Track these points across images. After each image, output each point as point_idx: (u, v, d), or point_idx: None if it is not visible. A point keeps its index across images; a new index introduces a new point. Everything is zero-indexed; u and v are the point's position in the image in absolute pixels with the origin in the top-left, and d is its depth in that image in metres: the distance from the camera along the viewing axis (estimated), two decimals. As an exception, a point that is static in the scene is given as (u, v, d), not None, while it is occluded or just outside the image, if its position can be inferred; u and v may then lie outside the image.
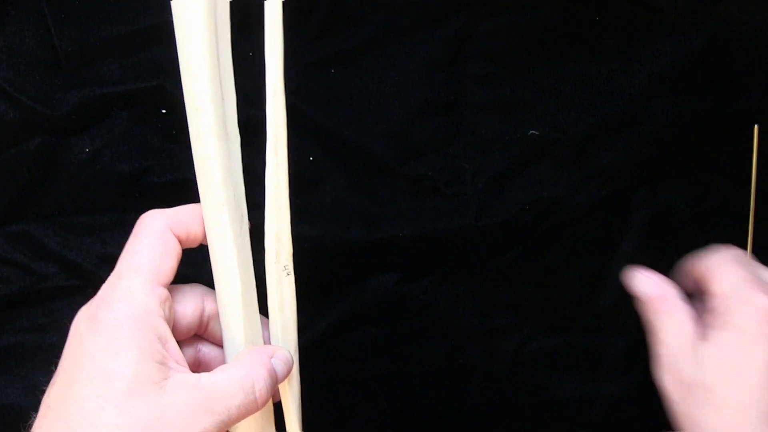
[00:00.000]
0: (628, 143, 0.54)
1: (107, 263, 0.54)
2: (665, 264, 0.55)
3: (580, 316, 0.56)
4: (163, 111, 0.53)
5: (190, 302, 0.40)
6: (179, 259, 0.39)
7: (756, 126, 0.54)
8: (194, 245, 0.40)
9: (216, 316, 0.41)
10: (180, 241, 0.39)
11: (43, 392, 0.38)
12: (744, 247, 0.55)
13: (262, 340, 0.42)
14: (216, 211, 0.39)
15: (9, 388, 0.54)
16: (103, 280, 0.53)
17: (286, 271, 0.43)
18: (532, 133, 0.54)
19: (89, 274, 0.54)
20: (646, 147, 0.55)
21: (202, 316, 0.41)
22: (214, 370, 0.37)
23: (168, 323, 0.37)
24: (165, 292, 0.37)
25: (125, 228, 0.53)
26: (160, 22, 0.52)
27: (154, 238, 0.38)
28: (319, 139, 0.54)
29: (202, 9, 0.39)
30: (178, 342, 0.38)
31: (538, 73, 0.54)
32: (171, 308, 0.38)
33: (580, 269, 0.55)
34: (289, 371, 0.40)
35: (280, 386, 0.43)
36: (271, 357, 0.39)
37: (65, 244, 0.53)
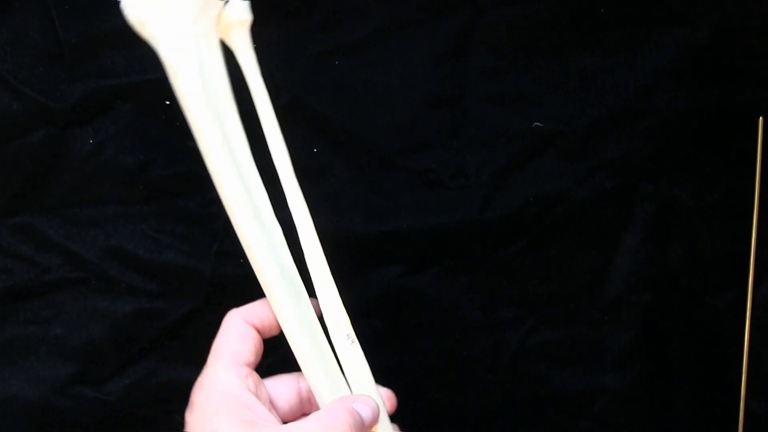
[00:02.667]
0: (632, 136, 0.54)
1: (111, 255, 0.54)
2: (669, 257, 0.55)
3: (583, 310, 0.56)
4: (167, 102, 0.53)
5: (284, 384, 0.46)
6: (258, 344, 0.44)
7: (761, 118, 0.54)
8: (275, 332, 0.45)
9: None
10: (258, 330, 0.45)
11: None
12: (749, 240, 0.55)
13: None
14: (274, 297, 0.43)
15: (13, 380, 0.54)
16: (106, 272, 0.54)
17: (350, 339, 0.46)
18: (537, 126, 0.54)
19: (93, 266, 0.54)
20: (650, 140, 0.55)
21: (300, 393, 0.46)
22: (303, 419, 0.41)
23: (258, 397, 0.42)
24: (246, 370, 0.43)
25: (129, 220, 0.54)
26: (164, 14, 0.52)
27: (231, 329, 0.44)
28: (324, 132, 0.54)
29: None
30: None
31: (543, 67, 0.54)
32: (257, 384, 0.43)
33: (584, 262, 0.55)
34: (375, 416, 0.43)
35: None
36: (353, 402, 0.42)
37: (69, 236, 0.53)
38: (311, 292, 0.45)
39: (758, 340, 0.55)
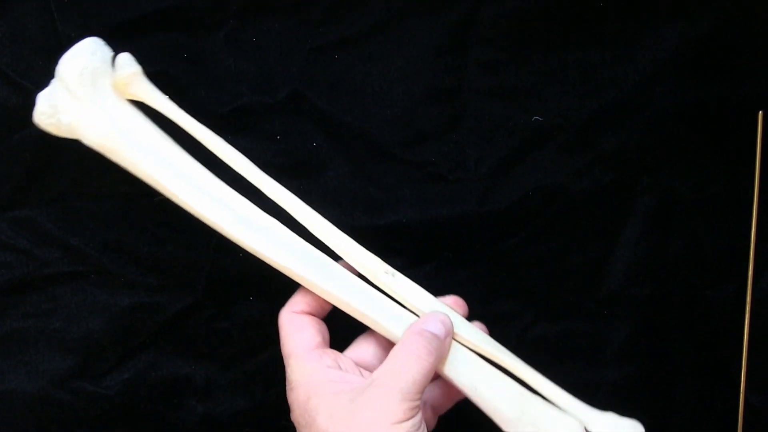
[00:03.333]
0: (631, 129, 0.54)
1: (110, 249, 0.54)
2: (668, 250, 0.55)
3: (583, 303, 0.56)
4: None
5: (363, 345, 0.48)
6: (317, 324, 0.47)
7: (760, 113, 0.54)
8: (328, 306, 0.48)
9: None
10: (312, 313, 0.47)
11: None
12: (748, 233, 0.55)
13: None
14: (302, 278, 0.46)
15: (12, 374, 0.54)
16: (106, 266, 0.54)
17: (390, 273, 0.47)
18: (536, 119, 0.54)
19: (92, 260, 0.54)
20: (649, 133, 0.55)
21: (381, 345, 0.48)
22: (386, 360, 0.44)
23: (342, 368, 0.45)
24: (318, 353, 0.45)
25: (129, 213, 0.54)
26: (163, 8, 0.52)
27: (286, 327, 0.47)
28: (323, 125, 0.54)
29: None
30: None
31: (542, 60, 0.54)
32: (337, 358, 0.46)
33: (584, 255, 0.55)
34: (447, 326, 0.45)
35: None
36: (423, 324, 0.44)
37: (68, 230, 0.53)
38: (336, 257, 0.47)
39: (758, 334, 0.55)
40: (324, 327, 0.48)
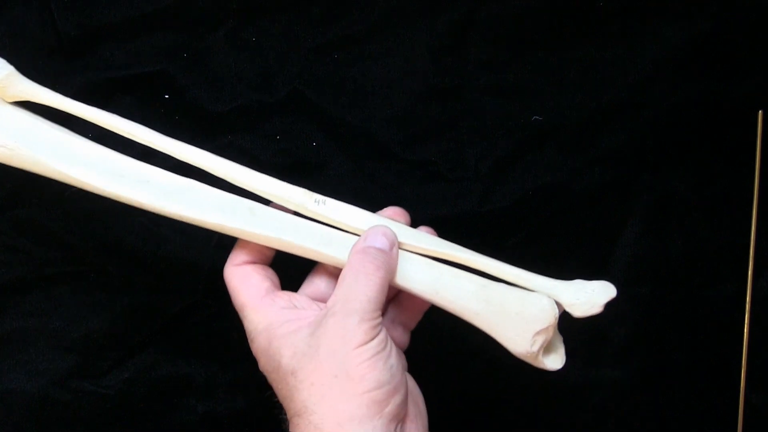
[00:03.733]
0: (631, 128, 0.54)
1: (110, 249, 0.54)
2: (668, 250, 0.55)
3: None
4: (166, 96, 0.53)
5: (315, 281, 0.47)
6: (263, 270, 0.46)
7: (760, 112, 0.54)
8: (269, 253, 0.46)
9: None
10: (254, 262, 0.46)
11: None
12: (748, 232, 0.55)
13: None
14: (231, 229, 0.45)
15: (12, 373, 0.54)
16: (105, 266, 0.54)
17: (320, 201, 0.46)
18: (536, 119, 0.54)
19: (92, 260, 0.54)
20: (649, 132, 0.55)
21: (334, 275, 0.46)
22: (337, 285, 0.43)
23: (297, 306, 0.44)
24: (269, 298, 0.44)
25: (128, 213, 0.53)
26: (163, 7, 0.52)
27: (233, 281, 0.45)
28: (323, 124, 0.54)
29: None
30: None
31: (542, 58, 0.54)
32: (290, 297, 0.45)
33: (584, 254, 0.55)
34: (390, 237, 0.44)
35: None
36: (364, 242, 0.43)
37: (68, 230, 0.53)
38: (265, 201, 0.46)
39: (757, 333, 0.55)
40: (271, 272, 0.46)
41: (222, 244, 0.54)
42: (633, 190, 0.55)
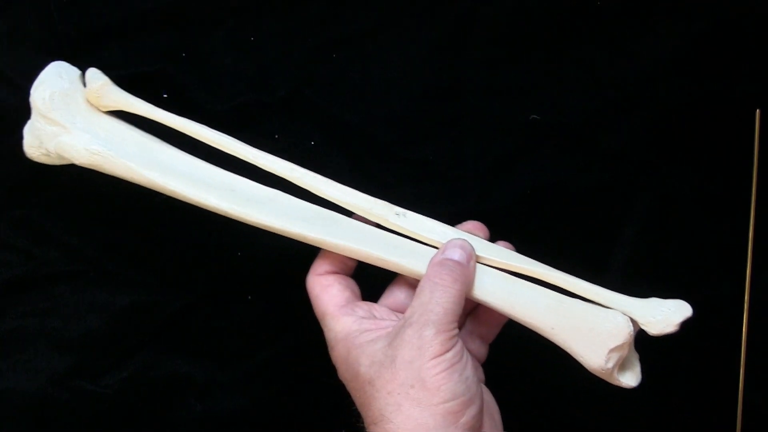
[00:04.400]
0: (631, 127, 0.54)
1: (109, 248, 0.54)
2: (669, 249, 0.55)
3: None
4: (165, 95, 0.53)
5: (396, 292, 0.48)
6: (343, 281, 0.46)
7: (758, 111, 0.54)
8: (351, 264, 0.48)
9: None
10: (336, 272, 0.47)
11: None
12: (747, 231, 0.55)
13: None
14: (315, 240, 0.45)
15: (11, 373, 0.53)
16: (104, 265, 0.54)
17: (400, 214, 0.47)
18: (534, 118, 0.54)
19: (91, 259, 0.54)
20: (648, 131, 0.55)
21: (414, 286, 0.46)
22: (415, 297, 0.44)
23: (377, 317, 0.45)
24: (349, 308, 0.45)
25: (127, 212, 0.54)
26: (162, 6, 0.52)
27: (315, 289, 0.46)
28: (322, 123, 0.54)
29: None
30: None
31: (541, 58, 0.54)
32: (370, 308, 0.46)
33: (582, 254, 0.55)
34: (467, 250, 0.44)
35: None
36: (441, 254, 0.44)
37: (67, 229, 0.53)
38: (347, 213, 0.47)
39: (757, 332, 0.55)
40: (352, 282, 0.47)
41: (221, 244, 0.54)
42: (631, 189, 0.55)
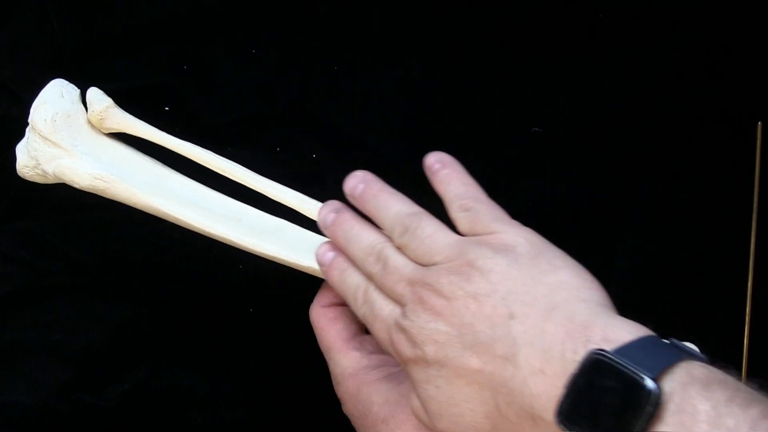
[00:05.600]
0: (631, 140, 0.55)
1: (110, 260, 0.54)
2: (668, 260, 0.55)
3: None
4: (167, 108, 0.53)
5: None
6: (349, 313, 0.44)
7: (759, 123, 0.54)
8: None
9: None
10: (342, 304, 0.45)
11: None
12: (748, 243, 0.55)
13: None
14: (300, 266, 0.44)
15: (11, 385, 0.53)
16: (105, 277, 0.54)
17: None
18: (535, 131, 0.54)
19: (92, 271, 0.54)
20: (649, 144, 0.55)
21: None
22: None
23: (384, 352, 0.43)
24: (357, 341, 0.44)
25: (129, 224, 0.54)
26: (163, 19, 0.53)
27: (320, 322, 0.45)
28: (323, 136, 0.54)
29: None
30: None
31: (541, 70, 0.54)
32: (377, 343, 0.43)
33: (584, 266, 0.55)
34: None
35: None
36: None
37: (68, 241, 0.53)
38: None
39: (758, 344, 0.55)
40: (342, 318, 0.46)
41: (222, 255, 0.54)
42: (632, 201, 0.55)
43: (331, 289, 0.45)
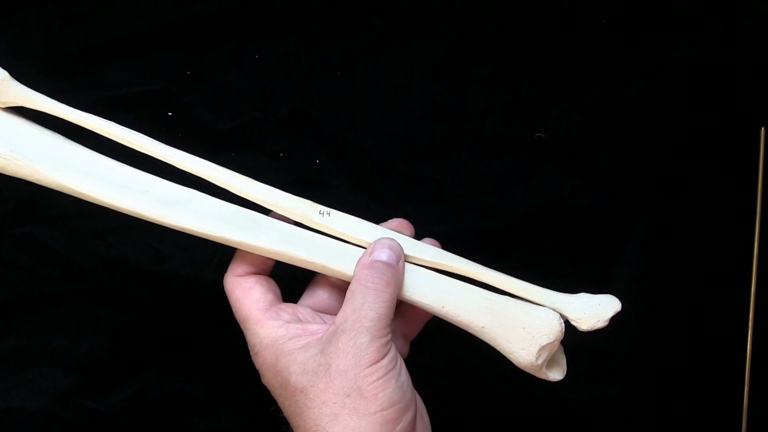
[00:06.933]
0: (633, 146, 0.55)
1: (112, 267, 0.54)
2: (670, 267, 0.55)
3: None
4: (169, 114, 0.53)
5: (319, 293, 0.46)
6: (265, 282, 0.44)
7: (762, 129, 0.54)
8: (271, 263, 0.45)
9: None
10: (255, 273, 0.45)
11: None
12: (750, 249, 0.55)
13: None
14: (233, 240, 0.43)
15: (14, 392, 0.53)
16: (108, 283, 0.54)
17: (325, 213, 0.45)
18: (539, 136, 0.54)
19: (94, 278, 0.54)
20: (650, 150, 0.55)
21: (338, 286, 0.46)
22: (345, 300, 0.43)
23: (302, 320, 0.44)
24: (273, 312, 0.43)
25: (130, 230, 0.54)
26: (165, 25, 0.52)
27: (235, 292, 0.44)
28: (325, 142, 0.54)
29: None
30: None
31: (543, 76, 0.54)
32: (294, 310, 0.44)
33: (585, 272, 0.55)
34: (396, 249, 0.43)
35: None
36: (369, 256, 0.43)
37: (70, 248, 0.53)
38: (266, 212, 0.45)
39: (760, 350, 0.55)
40: (273, 283, 0.46)
41: (224, 262, 0.54)
42: (635, 207, 0.55)
43: (245, 258, 0.45)
